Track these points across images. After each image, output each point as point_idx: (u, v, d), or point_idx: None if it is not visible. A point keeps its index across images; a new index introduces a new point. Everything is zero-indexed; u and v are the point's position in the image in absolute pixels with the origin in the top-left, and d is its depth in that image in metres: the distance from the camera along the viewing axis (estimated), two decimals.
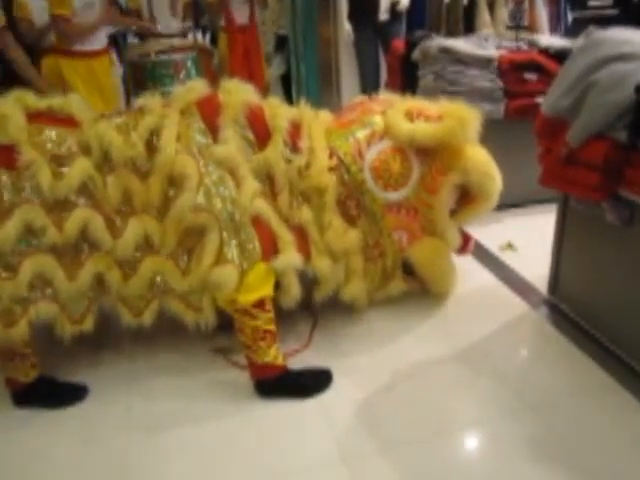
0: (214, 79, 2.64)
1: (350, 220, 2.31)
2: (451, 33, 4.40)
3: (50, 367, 2.22)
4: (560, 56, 3.17)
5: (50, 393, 2.15)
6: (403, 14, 4.87)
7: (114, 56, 4.25)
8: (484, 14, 4.54)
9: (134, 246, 2.00)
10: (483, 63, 3.27)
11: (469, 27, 4.57)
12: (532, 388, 2.09)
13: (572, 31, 4.28)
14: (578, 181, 2.10)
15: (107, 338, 2.41)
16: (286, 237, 2.09)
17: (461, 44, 3.37)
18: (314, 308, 2.46)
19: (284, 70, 5.58)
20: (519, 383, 2.12)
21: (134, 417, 2.07)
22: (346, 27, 4.95)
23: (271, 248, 2.04)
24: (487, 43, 3.52)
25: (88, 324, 2.07)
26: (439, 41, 3.47)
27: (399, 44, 4.19)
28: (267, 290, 2.04)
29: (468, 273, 2.79)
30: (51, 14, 3.41)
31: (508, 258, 3.01)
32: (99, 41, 3.66)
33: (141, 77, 4.45)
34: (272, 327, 2.06)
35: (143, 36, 5.17)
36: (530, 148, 2.46)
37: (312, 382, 2.15)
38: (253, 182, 2.06)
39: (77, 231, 1.93)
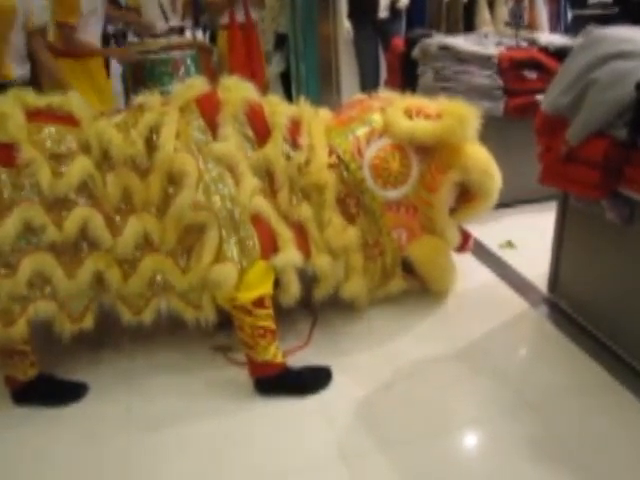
0: (213, 77, 2.63)
1: (349, 218, 2.30)
2: (451, 31, 4.40)
3: (50, 365, 2.22)
4: (560, 54, 3.17)
5: (50, 391, 2.14)
6: (403, 12, 4.86)
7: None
8: (484, 12, 4.55)
9: (134, 244, 2.00)
10: (483, 61, 3.27)
11: (469, 25, 4.57)
12: (532, 387, 2.09)
13: (572, 29, 4.28)
14: (578, 179, 2.10)
15: (107, 336, 2.40)
16: (286, 235, 2.09)
17: (461, 42, 3.37)
18: (314, 306, 2.46)
19: (283, 68, 5.58)
20: (519, 382, 2.12)
21: (134, 415, 2.06)
22: (346, 25, 4.95)
23: (270, 246, 2.04)
24: (487, 41, 3.52)
25: (88, 322, 2.07)
26: (439, 39, 3.48)
27: (399, 42, 4.19)
28: (266, 288, 2.04)
29: (468, 271, 2.79)
30: (58, 21, 3.35)
31: (508, 256, 3.01)
32: (95, 41, 3.65)
33: (140, 75, 4.44)
34: (272, 325, 2.06)
35: (142, 35, 5.16)
36: (530, 146, 2.46)
37: (312, 380, 2.15)
38: (252, 179, 2.06)
39: (77, 230, 1.93)
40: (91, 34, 3.51)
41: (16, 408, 2.11)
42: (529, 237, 3.10)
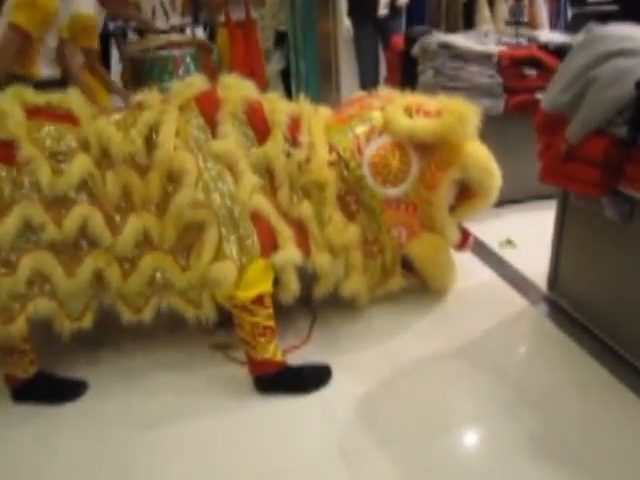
0: (213, 75, 2.63)
1: (349, 216, 2.30)
2: (451, 29, 4.39)
3: (49, 364, 2.22)
4: (560, 52, 3.17)
5: (49, 389, 2.15)
6: (403, 10, 4.86)
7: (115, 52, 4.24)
8: (484, 10, 4.53)
9: (134, 243, 1.99)
10: (483, 59, 3.27)
11: (469, 23, 4.56)
12: (531, 385, 2.09)
13: (572, 27, 4.27)
14: (578, 177, 2.10)
15: (106, 335, 2.40)
16: (285, 233, 2.09)
17: (461, 40, 3.36)
18: (313, 304, 2.46)
19: (283, 66, 5.57)
20: (518, 380, 2.12)
21: (133, 413, 2.07)
22: (345, 23, 4.94)
23: (270, 244, 2.04)
24: (487, 39, 3.51)
25: (87, 321, 2.07)
26: (439, 37, 3.47)
27: (399, 40, 4.18)
28: (266, 286, 2.04)
29: (467, 269, 2.79)
30: (82, 47, 3.36)
31: (507, 254, 3.01)
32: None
33: (140, 73, 4.44)
34: (271, 323, 2.06)
35: (142, 32, 5.16)
36: (530, 144, 2.46)
37: (312, 378, 2.15)
38: (252, 177, 2.06)
39: (76, 228, 1.93)
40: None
41: (16, 406, 2.12)
42: (529, 235, 3.10)
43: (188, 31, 5.23)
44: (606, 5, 4.32)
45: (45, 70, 2.77)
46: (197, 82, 2.15)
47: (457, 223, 2.52)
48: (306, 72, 5.52)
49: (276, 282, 2.10)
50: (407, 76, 3.80)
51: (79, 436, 1.97)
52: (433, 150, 2.33)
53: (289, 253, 2.07)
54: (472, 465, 1.80)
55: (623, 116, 1.91)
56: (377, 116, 2.37)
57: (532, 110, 2.43)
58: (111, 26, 5.36)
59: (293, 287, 2.12)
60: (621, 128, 1.92)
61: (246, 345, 2.06)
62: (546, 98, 2.23)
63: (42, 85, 2.48)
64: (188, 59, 4.99)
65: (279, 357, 2.10)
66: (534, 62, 3.30)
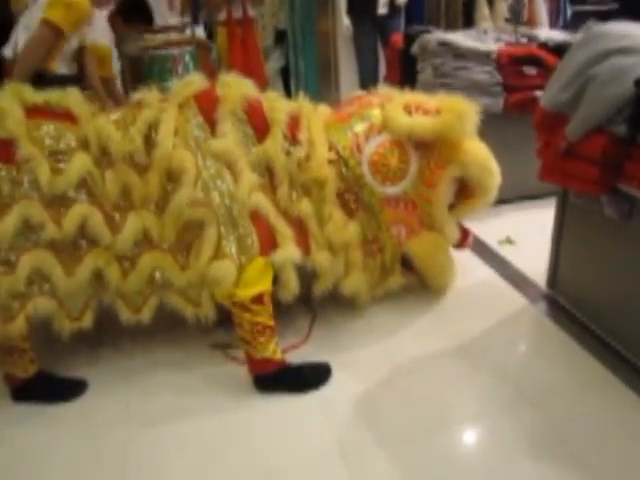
0: (212, 73, 2.63)
1: (349, 214, 2.30)
2: (450, 27, 4.39)
3: (49, 363, 2.22)
4: (559, 50, 3.17)
5: (49, 388, 2.15)
6: (402, 8, 4.86)
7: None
8: (483, 8, 4.53)
9: (133, 241, 1.99)
10: (482, 57, 3.26)
11: (468, 21, 4.56)
12: (531, 383, 2.09)
13: (571, 25, 4.27)
14: (577, 175, 2.10)
15: (106, 334, 2.40)
16: (285, 231, 2.09)
17: (460, 38, 3.36)
18: (313, 303, 2.46)
19: (283, 64, 5.57)
20: (518, 378, 2.12)
21: (133, 412, 2.07)
22: (345, 21, 4.94)
23: (270, 242, 2.04)
24: (486, 37, 3.51)
25: (87, 321, 2.07)
26: (438, 35, 3.47)
27: (398, 38, 4.18)
28: (266, 285, 2.04)
29: (467, 268, 2.79)
30: (101, 76, 3.36)
31: (507, 253, 3.01)
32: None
33: (139, 72, 4.44)
34: (271, 322, 2.06)
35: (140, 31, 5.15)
36: (529, 142, 2.45)
37: (311, 377, 2.15)
38: (251, 176, 2.06)
39: (75, 227, 1.93)
40: None
41: (15, 405, 2.11)
42: (528, 233, 3.10)
43: (188, 30, 5.23)
44: (605, 3, 4.32)
45: (62, 68, 2.81)
46: (196, 81, 2.14)
47: (456, 221, 2.52)
48: (305, 70, 5.51)
49: (276, 281, 2.10)
50: (406, 74, 3.80)
51: (79, 435, 1.97)
52: (432, 148, 2.33)
53: (289, 251, 2.07)
54: (472, 464, 1.80)
55: (622, 114, 1.91)
56: (376, 114, 2.36)
57: (531, 108, 2.43)
58: None
59: (293, 286, 2.12)
60: (620, 126, 1.92)
61: (246, 344, 2.06)
62: (545, 96, 2.23)
63: (59, 80, 2.64)
64: (187, 58, 4.99)
65: (279, 356, 2.10)
66: (533, 60, 3.30)
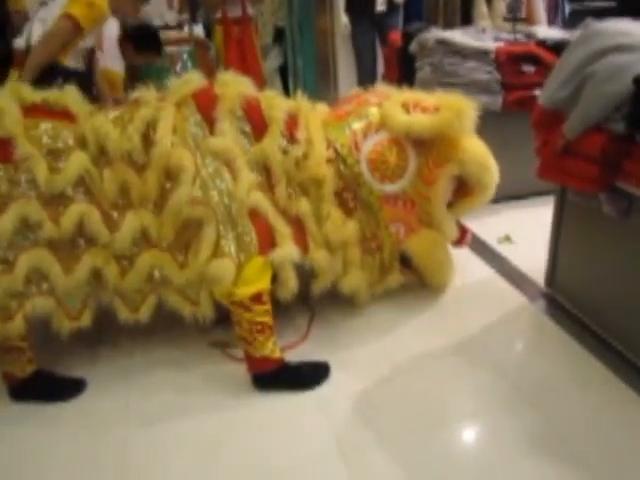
0: (210, 72, 2.63)
1: (347, 212, 2.30)
2: (448, 25, 4.38)
3: (48, 362, 2.21)
4: (558, 48, 3.17)
5: (48, 388, 2.14)
6: (400, 6, 4.85)
7: None
8: (481, 6, 4.52)
9: (131, 240, 1.99)
10: (480, 55, 3.26)
11: (466, 19, 4.55)
12: (530, 381, 2.09)
13: (570, 23, 4.26)
14: (575, 173, 2.09)
15: (105, 334, 2.40)
16: (283, 230, 2.08)
17: (458, 36, 3.35)
18: (311, 301, 2.46)
19: (281, 62, 5.56)
20: (517, 376, 2.12)
21: (132, 411, 2.07)
22: (343, 19, 4.93)
23: (268, 241, 2.04)
24: (484, 35, 3.51)
25: (86, 320, 2.07)
26: (436, 33, 3.46)
27: (396, 36, 4.18)
28: (264, 283, 2.04)
29: (465, 266, 2.79)
30: (112, 97, 3.44)
31: (505, 251, 3.01)
32: None
33: (137, 70, 4.43)
34: (269, 320, 2.06)
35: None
36: (528, 140, 2.45)
37: (310, 375, 2.15)
38: (250, 174, 2.05)
39: (73, 225, 1.92)
40: None
41: (14, 404, 2.11)
42: (527, 231, 3.10)
43: (186, 29, 5.23)
44: (604, 1, 4.31)
45: (72, 62, 2.87)
46: (194, 79, 2.14)
47: (455, 219, 2.52)
48: (303, 69, 5.51)
49: (274, 279, 2.10)
50: (405, 72, 3.80)
51: (78, 434, 1.97)
52: (431, 146, 2.33)
53: (287, 250, 2.07)
54: (471, 461, 1.80)
55: (621, 112, 1.91)
56: (374, 112, 2.36)
57: (530, 106, 2.43)
58: None
59: (291, 284, 2.12)
60: (619, 124, 1.92)
61: (244, 342, 2.06)
62: (544, 94, 2.23)
63: (69, 74, 2.76)
64: (185, 56, 4.98)
65: (277, 354, 2.10)
66: (532, 58, 3.30)
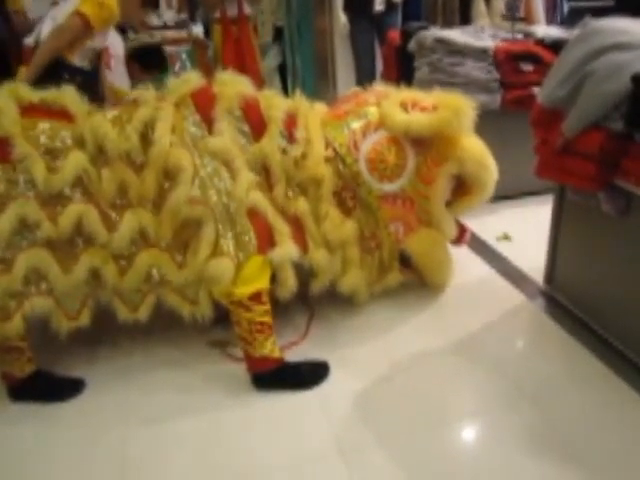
0: (209, 71, 2.64)
1: (346, 212, 2.30)
2: (447, 24, 4.38)
3: (47, 362, 2.21)
4: (556, 46, 3.17)
5: (47, 388, 2.14)
6: (399, 5, 4.85)
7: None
8: (480, 5, 4.52)
9: (129, 240, 1.99)
10: (479, 54, 3.26)
11: (465, 18, 4.55)
12: (529, 379, 2.09)
13: (568, 21, 4.26)
14: (574, 171, 2.10)
15: (104, 333, 2.40)
16: (282, 229, 2.08)
17: (457, 35, 3.36)
18: (311, 300, 2.46)
19: (280, 61, 5.56)
20: (517, 374, 2.12)
21: (131, 411, 2.06)
22: (342, 19, 4.93)
23: (267, 240, 2.04)
24: (483, 34, 3.51)
25: (84, 319, 2.07)
26: (435, 32, 3.47)
27: (395, 35, 4.18)
28: (263, 283, 2.04)
29: (464, 264, 2.79)
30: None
31: (504, 249, 3.01)
32: None
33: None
34: (268, 319, 2.06)
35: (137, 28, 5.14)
36: (526, 139, 2.45)
37: (310, 374, 2.15)
38: (248, 174, 2.05)
39: (71, 225, 1.92)
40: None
41: (14, 404, 2.11)
42: (526, 230, 3.10)
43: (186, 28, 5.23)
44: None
45: (78, 61, 2.91)
46: (193, 78, 2.14)
47: (454, 218, 2.52)
48: (302, 68, 5.51)
49: (273, 278, 2.10)
50: (403, 72, 3.80)
51: (77, 434, 1.97)
52: (430, 145, 2.33)
53: (286, 249, 2.07)
54: (471, 460, 1.80)
55: (619, 110, 1.91)
56: (373, 112, 2.36)
57: (529, 105, 2.43)
58: None
59: (290, 283, 2.12)
60: (617, 122, 1.92)
61: (243, 342, 2.06)
62: (542, 92, 2.23)
63: (76, 71, 2.85)
64: (184, 56, 4.98)
65: (277, 354, 2.10)
66: (530, 57, 3.30)
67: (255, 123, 2.13)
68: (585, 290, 2.40)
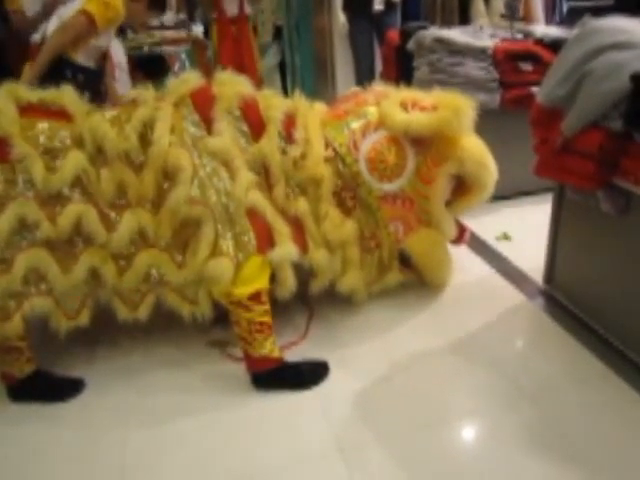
0: (208, 71, 2.64)
1: (346, 211, 2.30)
2: (446, 23, 4.38)
3: (47, 362, 2.21)
4: (555, 46, 3.17)
5: (47, 388, 2.14)
6: (398, 4, 4.85)
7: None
8: (479, 4, 4.52)
9: (129, 239, 1.99)
10: (478, 53, 3.26)
11: (464, 17, 4.55)
12: (529, 378, 2.09)
13: (567, 21, 4.26)
14: (573, 170, 2.10)
15: (104, 333, 2.40)
16: (282, 229, 2.08)
17: (456, 34, 3.36)
18: (310, 300, 2.46)
19: (279, 59, 5.56)
20: (516, 373, 2.12)
21: (131, 411, 2.06)
22: (341, 18, 4.93)
23: (267, 240, 2.04)
24: (482, 33, 3.51)
25: (84, 319, 2.07)
26: (434, 31, 3.46)
27: (394, 35, 4.18)
28: (263, 282, 2.03)
29: (464, 264, 2.79)
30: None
31: (504, 249, 3.01)
32: None
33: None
34: (268, 319, 2.06)
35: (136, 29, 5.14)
36: (526, 138, 2.45)
37: (309, 374, 2.15)
38: (248, 174, 2.05)
39: (71, 225, 1.92)
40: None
41: (13, 405, 2.11)
42: (525, 229, 3.10)
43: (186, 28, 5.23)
44: None
45: (82, 59, 2.93)
46: (192, 78, 2.14)
47: (454, 218, 2.52)
48: (301, 68, 5.51)
49: (273, 278, 2.10)
50: (403, 71, 3.80)
51: (77, 434, 1.97)
52: (429, 145, 2.33)
53: (286, 249, 2.07)
54: (471, 459, 1.80)
55: (618, 109, 1.91)
56: (373, 111, 2.36)
57: (528, 104, 2.43)
58: None
59: (290, 283, 2.12)
60: (617, 121, 1.92)
61: (243, 342, 2.06)
62: (542, 92, 2.23)
63: (79, 69, 2.88)
64: (183, 56, 4.98)
65: (276, 353, 2.10)
66: (530, 56, 3.30)
67: (254, 123, 2.13)
68: (585, 289, 2.40)
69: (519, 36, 3.52)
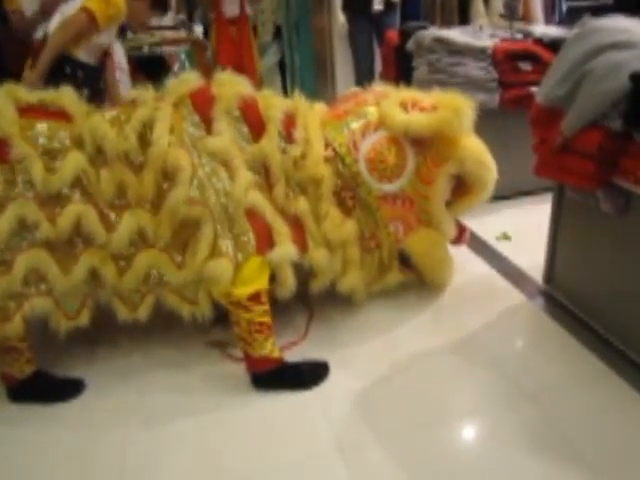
0: (208, 71, 2.64)
1: (346, 211, 2.30)
2: (446, 23, 4.38)
3: (47, 363, 2.21)
4: (555, 46, 3.16)
5: (47, 389, 2.14)
6: (397, 4, 4.85)
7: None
8: (478, 4, 4.52)
9: (128, 240, 1.99)
10: (477, 53, 3.26)
11: (464, 17, 4.55)
12: (529, 378, 2.09)
13: (567, 21, 4.27)
14: (573, 170, 2.10)
15: (103, 333, 2.40)
16: (282, 229, 2.08)
17: (455, 34, 3.36)
18: (310, 300, 2.46)
19: (279, 58, 5.56)
20: (516, 373, 2.12)
21: (131, 412, 2.06)
22: (340, 18, 4.93)
23: (266, 240, 2.04)
24: (481, 33, 3.51)
25: (84, 319, 2.06)
26: (433, 31, 3.46)
27: (393, 35, 4.18)
28: (262, 283, 2.03)
29: (464, 264, 2.79)
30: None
31: (504, 249, 3.01)
32: None
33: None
34: (268, 320, 2.06)
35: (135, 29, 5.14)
36: (525, 138, 2.45)
37: (309, 374, 2.15)
38: (247, 174, 2.05)
39: (70, 226, 1.92)
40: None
41: (13, 405, 2.11)
42: (525, 229, 3.10)
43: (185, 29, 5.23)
44: None
45: (83, 56, 2.94)
46: (192, 79, 2.14)
47: (453, 218, 2.52)
48: (301, 67, 5.51)
49: (273, 278, 2.10)
50: (402, 71, 3.80)
51: (77, 435, 1.97)
52: (429, 145, 2.33)
53: (285, 249, 2.07)
54: (470, 459, 1.80)
55: (618, 109, 1.91)
56: (372, 111, 2.36)
57: (527, 104, 2.43)
58: None
59: (290, 283, 2.12)
60: (616, 121, 1.92)
61: (243, 342, 2.06)
62: (541, 91, 2.23)
63: (78, 65, 2.88)
64: (183, 56, 4.97)
65: (276, 354, 2.10)
66: (529, 56, 3.30)
67: (254, 123, 2.13)
68: (585, 289, 2.40)
69: (518, 36, 3.52)
